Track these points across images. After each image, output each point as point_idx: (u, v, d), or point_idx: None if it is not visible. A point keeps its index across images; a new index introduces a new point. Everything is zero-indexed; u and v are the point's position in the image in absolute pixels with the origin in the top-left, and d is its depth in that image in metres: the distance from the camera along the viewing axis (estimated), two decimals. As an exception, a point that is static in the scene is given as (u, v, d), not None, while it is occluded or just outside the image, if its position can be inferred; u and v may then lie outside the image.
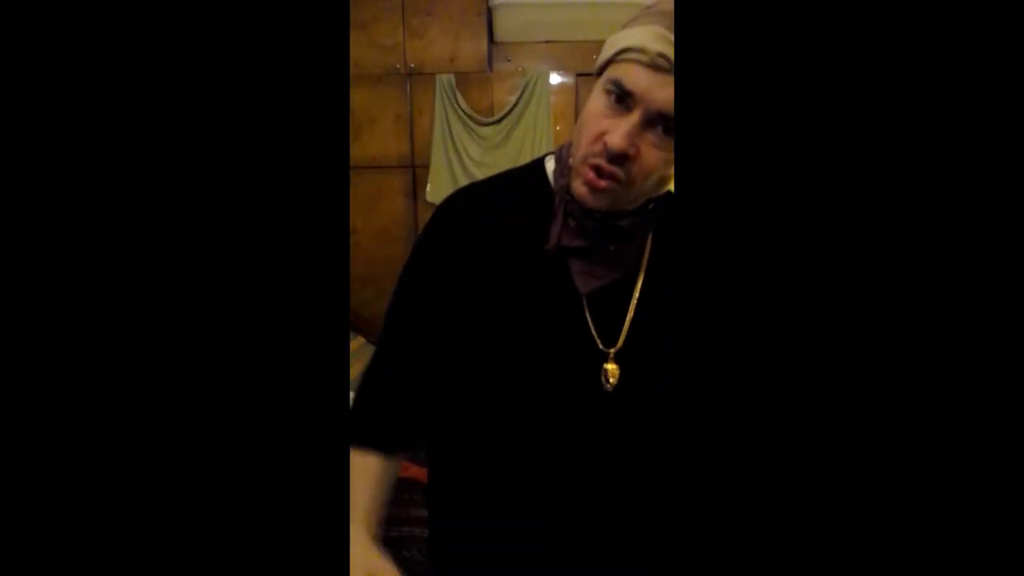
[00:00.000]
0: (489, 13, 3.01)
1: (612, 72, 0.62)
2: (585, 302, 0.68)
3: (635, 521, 0.69)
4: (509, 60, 3.03)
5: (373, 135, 3.04)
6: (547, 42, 3.01)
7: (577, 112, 2.98)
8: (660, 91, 0.59)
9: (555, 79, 2.98)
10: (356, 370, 2.63)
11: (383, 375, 0.77)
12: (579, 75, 2.98)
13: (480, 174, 3.02)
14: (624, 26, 0.63)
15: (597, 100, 0.64)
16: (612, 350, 0.68)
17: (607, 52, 0.63)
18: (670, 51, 0.58)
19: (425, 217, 3.12)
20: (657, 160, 0.61)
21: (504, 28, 3.04)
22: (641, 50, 0.59)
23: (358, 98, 2.99)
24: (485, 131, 3.01)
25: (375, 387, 0.77)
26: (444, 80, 2.96)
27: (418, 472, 2.53)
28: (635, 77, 0.60)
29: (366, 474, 0.75)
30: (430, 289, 0.72)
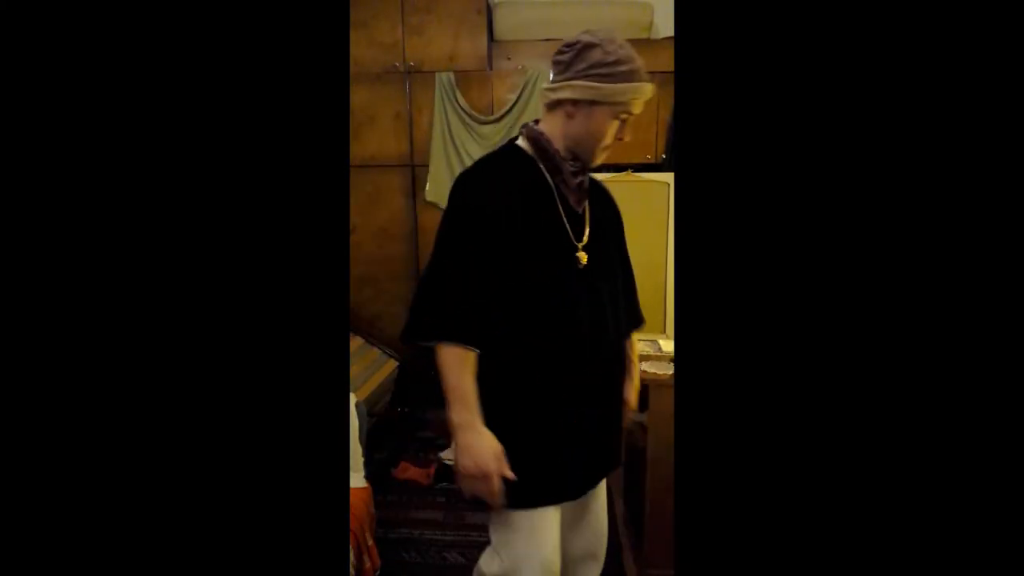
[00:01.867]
0: (489, 11, 3.00)
1: (623, 108, 1.15)
2: (565, 219, 1.20)
3: (606, 342, 1.24)
4: (509, 58, 3.03)
5: (372, 134, 3.03)
6: (547, 40, 3.00)
7: (577, 111, 2.98)
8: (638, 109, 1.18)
9: (555, 78, 2.97)
10: (355, 370, 2.62)
11: (460, 293, 1.12)
12: (579, 74, 2.97)
13: (480, 173, 3.02)
14: (615, 79, 1.12)
15: (605, 119, 1.16)
16: (581, 244, 1.21)
17: (620, 98, 1.13)
18: (642, 95, 1.15)
19: (424, 216, 3.10)
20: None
21: (504, 26, 3.03)
22: (637, 93, 1.14)
23: (357, 96, 2.98)
24: (485, 129, 3.00)
25: (457, 300, 1.12)
26: (444, 78, 2.95)
27: (417, 474, 2.52)
28: (636, 108, 1.17)
29: (469, 367, 1.13)
30: (474, 230, 1.13)
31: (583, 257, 1.19)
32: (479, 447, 1.12)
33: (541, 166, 1.20)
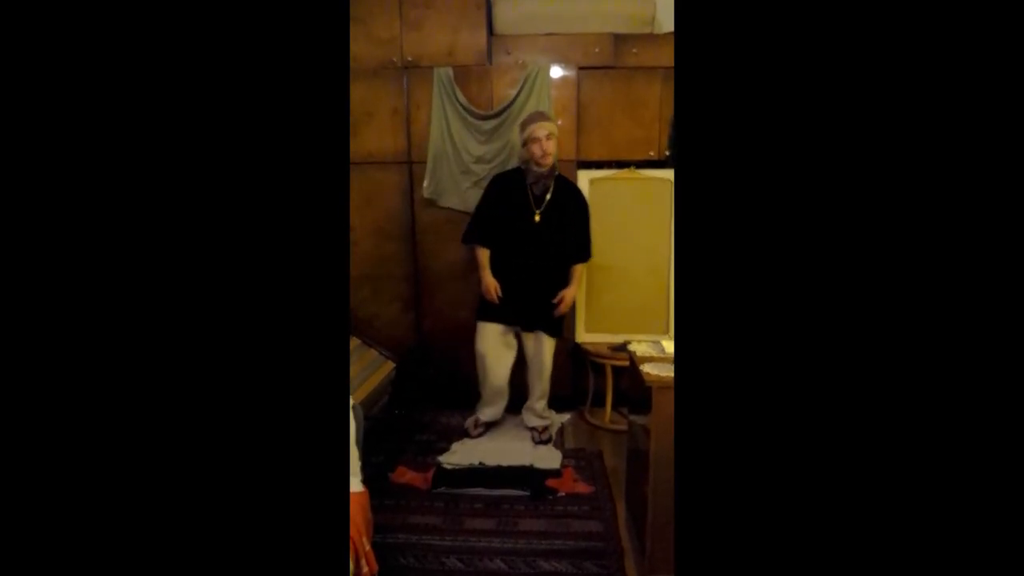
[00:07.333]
0: (488, 5, 2.96)
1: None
2: (533, 201, 2.73)
3: (550, 277, 2.80)
4: (509, 53, 2.98)
5: (370, 130, 2.99)
6: (548, 34, 2.96)
7: (579, 105, 2.94)
8: (543, 132, 2.66)
9: (556, 72, 2.92)
10: (352, 372, 2.58)
11: (478, 225, 2.77)
12: (581, 68, 2.92)
13: (479, 170, 2.97)
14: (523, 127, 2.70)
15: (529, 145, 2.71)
16: (538, 211, 2.71)
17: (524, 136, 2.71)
18: (546, 129, 2.65)
19: (422, 214, 3.06)
20: (553, 149, 2.66)
21: (504, 20, 2.99)
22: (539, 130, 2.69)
23: (355, 93, 2.93)
24: (484, 125, 2.95)
25: (476, 228, 2.77)
26: (442, 73, 2.90)
27: (415, 478, 2.48)
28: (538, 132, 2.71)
29: (486, 255, 2.78)
30: (489, 200, 2.78)
31: (537, 215, 2.69)
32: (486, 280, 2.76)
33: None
